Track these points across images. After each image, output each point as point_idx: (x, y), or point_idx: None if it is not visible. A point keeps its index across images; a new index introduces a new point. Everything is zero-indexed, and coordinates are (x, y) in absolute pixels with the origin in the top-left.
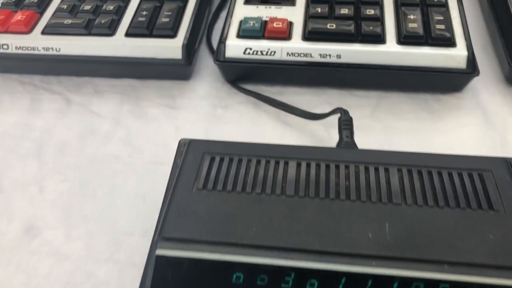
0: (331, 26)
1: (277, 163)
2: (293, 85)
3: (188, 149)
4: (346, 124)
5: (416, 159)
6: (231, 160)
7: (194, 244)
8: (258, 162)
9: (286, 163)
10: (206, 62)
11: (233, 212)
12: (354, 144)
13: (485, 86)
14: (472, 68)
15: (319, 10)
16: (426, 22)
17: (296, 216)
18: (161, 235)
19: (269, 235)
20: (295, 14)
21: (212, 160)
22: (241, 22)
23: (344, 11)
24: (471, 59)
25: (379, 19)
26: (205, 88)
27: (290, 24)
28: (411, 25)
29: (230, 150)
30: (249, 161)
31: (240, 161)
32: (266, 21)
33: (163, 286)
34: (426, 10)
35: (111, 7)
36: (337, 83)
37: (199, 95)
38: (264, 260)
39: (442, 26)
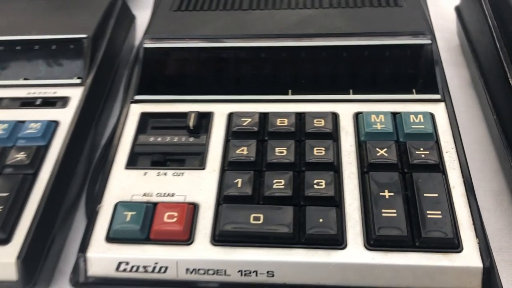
0: (256, 219)
1: None
2: None
3: None
4: None
5: None
6: None
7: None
8: None
9: None
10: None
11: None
12: None
13: None
14: None
15: (239, 183)
16: (412, 203)
17: None
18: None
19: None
20: (205, 189)
21: None
22: (114, 210)
23: (279, 183)
24: (489, 274)
25: (333, 199)
26: None
27: (193, 212)
28: (386, 213)
29: None
30: None
31: None
32: (155, 205)
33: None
34: (410, 179)
35: None
36: None
37: None
38: None
39: (438, 214)
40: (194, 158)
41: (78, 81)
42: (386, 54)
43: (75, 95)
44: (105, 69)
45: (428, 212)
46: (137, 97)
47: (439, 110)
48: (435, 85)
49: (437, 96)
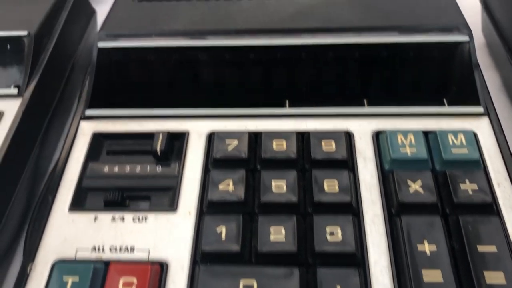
0: None
1: None
2: None
3: None
4: None
5: None
6: None
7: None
8: None
9: None
10: None
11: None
12: None
13: None
14: None
15: (224, 233)
16: (461, 260)
17: None
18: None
19: None
20: (176, 240)
21: None
22: (51, 273)
23: (278, 233)
24: None
25: (354, 256)
26: None
27: (160, 276)
28: (428, 275)
29: None
30: None
31: None
32: (107, 266)
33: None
34: (456, 225)
35: None
36: None
37: None
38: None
39: (500, 277)
40: (162, 196)
41: (15, 91)
42: (410, 54)
43: (10, 109)
44: (52, 76)
45: (485, 273)
46: (89, 112)
47: (482, 127)
48: (475, 95)
49: (479, 109)
